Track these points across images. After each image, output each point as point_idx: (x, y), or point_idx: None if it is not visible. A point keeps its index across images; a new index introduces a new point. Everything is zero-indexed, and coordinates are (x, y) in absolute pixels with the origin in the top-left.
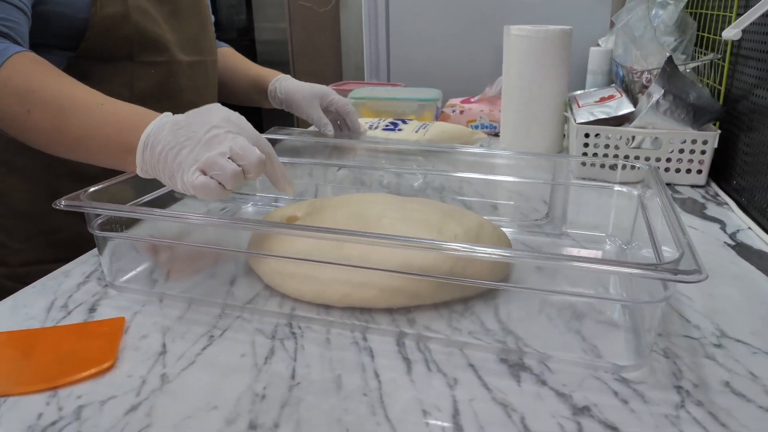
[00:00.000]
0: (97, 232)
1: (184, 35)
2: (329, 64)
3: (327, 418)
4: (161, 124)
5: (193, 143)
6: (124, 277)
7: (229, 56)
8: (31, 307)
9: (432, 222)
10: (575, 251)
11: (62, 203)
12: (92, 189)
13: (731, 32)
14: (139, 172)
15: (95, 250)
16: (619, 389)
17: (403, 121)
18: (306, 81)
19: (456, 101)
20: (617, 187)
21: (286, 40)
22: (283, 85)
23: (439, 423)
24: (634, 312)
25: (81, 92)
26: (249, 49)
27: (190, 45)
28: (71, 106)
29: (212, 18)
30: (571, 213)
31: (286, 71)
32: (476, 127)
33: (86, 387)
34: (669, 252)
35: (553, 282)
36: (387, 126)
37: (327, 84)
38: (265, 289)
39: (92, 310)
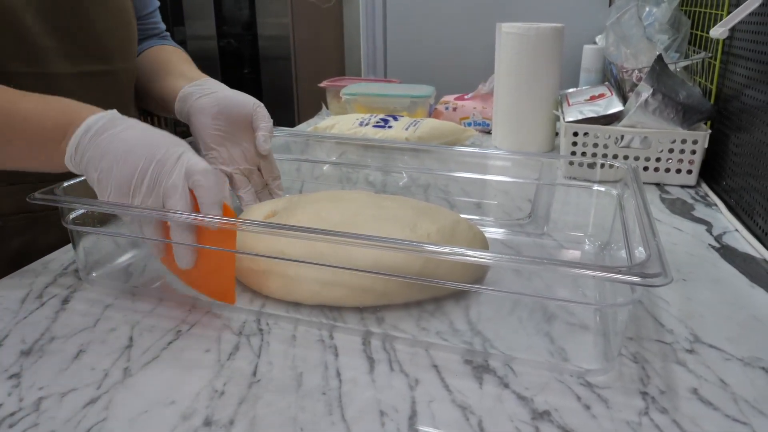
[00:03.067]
0: (71, 227)
1: (71, 37)
2: (331, 60)
3: (282, 416)
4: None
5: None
6: (100, 271)
7: (153, 61)
8: (7, 297)
9: (406, 220)
10: (555, 252)
11: (36, 197)
12: (67, 183)
13: (718, 30)
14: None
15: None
16: (582, 394)
17: (394, 118)
18: (307, 76)
19: (450, 98)
20: (596, 187)
21: (288, 36)
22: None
23: (395, 424)
24: (605, 315)
25: None
26: (251, 45)
27: (80, 50)
28: None
29: (152, 6)
30: (553, 212)
31: (287, 67)
32: (469, 124)
33: (48, 378)
34: (642, 254)
35: (529, 283)
36: (378, 123)
37: (323, 80)
38: (238, 285)
39: (65, 302)
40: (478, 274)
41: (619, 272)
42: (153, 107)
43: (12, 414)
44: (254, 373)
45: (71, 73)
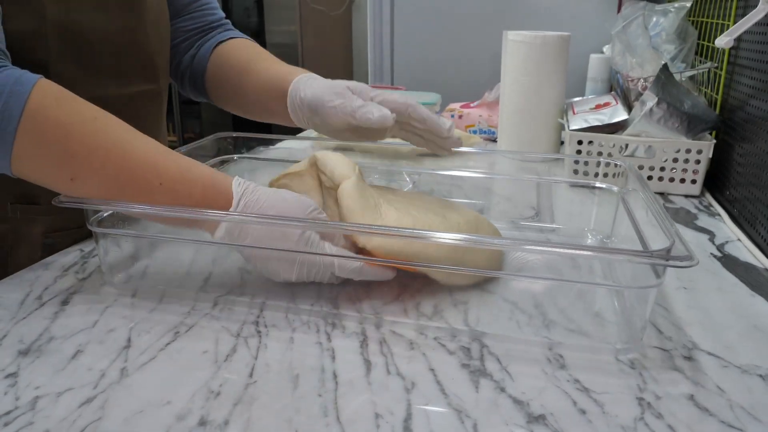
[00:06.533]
0: (96, 229)
1: (128, 59)
2: (339, 68)
3: (277, 418)
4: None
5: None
6: (122, 273)
7: (241, 50)
8: (6, 298)
9: (436, 209)
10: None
11: (62, 200)
12: None
13: (723, 40)
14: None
15: (76, 245)
16: (578, 399)
17: None
18: None
19: (456, 106)
20: (598, 184)
21: (296, 44)
22: (310, 85)
23: (390, 426)
24: (604, 321)
25: (134, 161)
26: None
27: (133, 71)
28: (125, 184)
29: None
30: (556, 212)
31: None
32: (474, 132)
33: (45, 378)
34: (656, 243)
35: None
36: None
37: None
38: (238, 287)
39: (65, 303)
40: (498, 265)
41: (651, 255)
42: (241, 103)
43: (8, 413)
44: (251, 375)
45: (122, 95)
